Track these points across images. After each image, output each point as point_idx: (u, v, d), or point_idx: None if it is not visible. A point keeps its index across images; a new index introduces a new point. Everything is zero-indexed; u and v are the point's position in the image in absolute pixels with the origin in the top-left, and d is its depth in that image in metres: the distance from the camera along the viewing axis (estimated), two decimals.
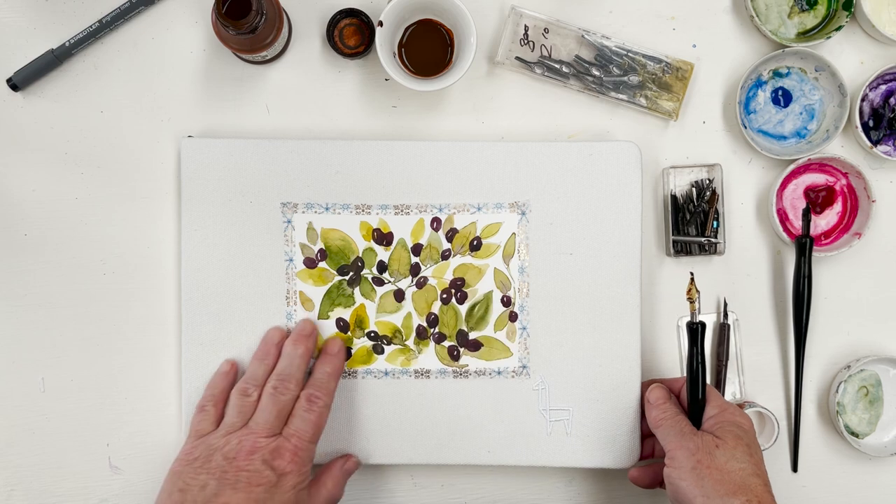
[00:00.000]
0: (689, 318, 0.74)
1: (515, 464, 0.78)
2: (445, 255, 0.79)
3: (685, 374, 0.80)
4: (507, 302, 0.78)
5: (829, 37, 0.80)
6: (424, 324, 0.79)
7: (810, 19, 0.82)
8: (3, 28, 0.80)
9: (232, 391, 0.74)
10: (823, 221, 0.83)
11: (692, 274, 0.75)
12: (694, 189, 0.81)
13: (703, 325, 0.73)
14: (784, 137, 0.82)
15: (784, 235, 0.80)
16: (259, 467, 0.67)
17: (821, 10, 0.82)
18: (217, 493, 0.66)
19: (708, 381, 0.74)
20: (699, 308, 0.74)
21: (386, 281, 0.79)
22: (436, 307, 0.79)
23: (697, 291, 0.74)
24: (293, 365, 0.74)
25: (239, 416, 0.71)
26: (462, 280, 0.79)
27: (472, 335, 0.79)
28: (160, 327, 0.80)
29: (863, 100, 0.81)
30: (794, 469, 0.82)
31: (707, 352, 0.74)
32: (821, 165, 0.82)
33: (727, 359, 0.81)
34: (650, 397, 0.75)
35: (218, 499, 0.66)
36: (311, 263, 0.78)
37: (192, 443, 0.71)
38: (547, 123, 0.81)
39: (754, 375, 0.82)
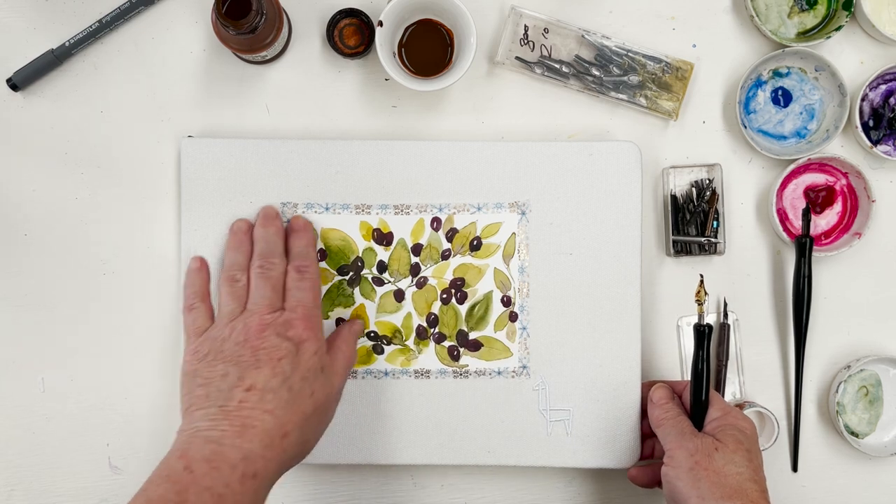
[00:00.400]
0: (695, 320, 0.74)
1: (515, 464, 0.78)
2: (445, 255, 0.79)
3: (688, 376, 0.80)
4: (507, 302, 0.78)
5: (829, 37, 0.80)
6: (424, 324, 0.79)
7: (810, 19, 0.82)
8: (3, 28, 0.80)
9: (220, 282, 0.74)
10: (823, 221, 0.83)
11: (702, 276, 0.75)
12: (694, 189, 0.81)
13: (710, 327, 0.73)
14: (784, 137, 0.82)
15: (784, 235, 0.80)
16: (275, 341, 0.67)
17: (821, 10, 0.82)
18: (241, 376, 0.66)
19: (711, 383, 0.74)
20: (707, 310, 0.74)
21: (386, 281, 0.79)
22: (436, 307, 0.79)
23: (706, 294, 0.73)
24: (271, 242, 0.74)
25: (236, 302, 0.71)
26: (462, 280, 0.79)
27: (472, 335, 0.79)
28: (160, 327, 0.80)
29: (863, 100, 0.81)
30: (794, 469, 0.82)
31: (710, 350, 0.74)
32: (821, 165, 0.82)
33: (727, 359, 0.81)
34: (653, 396, 0.75)
35: (243, 382, 0.65)
36: None
37: (195, 341, 0.71)
38: (547, 123, 0.81)
39: (754, 375, 0.82)
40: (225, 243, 0.76)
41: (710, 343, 0.73)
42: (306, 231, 0.76)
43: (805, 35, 0.82)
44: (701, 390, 0.72)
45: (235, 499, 0.61)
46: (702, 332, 0.73)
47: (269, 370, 0.66)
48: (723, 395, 0.81)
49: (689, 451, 0.69)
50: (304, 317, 0.69)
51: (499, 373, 0.78)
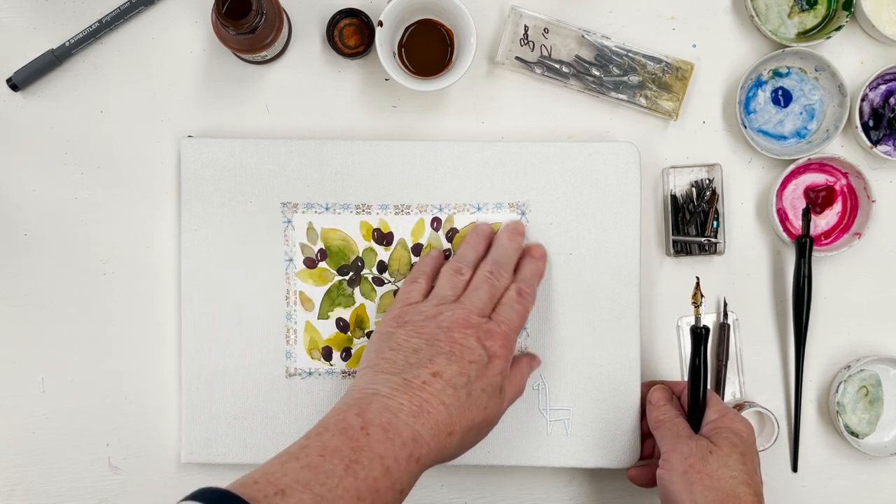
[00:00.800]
0: (692, 322, 0.74)
1: (515, 464, 0.78)
2: (446, 256, 0.78)
3: (687, 377, 0.80)
4: None
5: (829, 37, 0.80)
6: None
7: (810, 19, 0.82)
8: (3, 28, 0.80)
9: (443, 268, 0.74)
10: (823, 221, 0.83)
11: (698, 279, 0.75)
12: (694, 189, 0.81)
13: (707, 329, 0.73)
14: (784, 137, 0.82)
15: (784, 235, 0.80)
16: (473, 344, 0.67)
17: (821, 10, 0.82)
18: (431, 359, 0.66)
19: (709, 385, 0.74)
20: (703, 312, 0.73)
21: (386, 281, 0.79)
22: None
23: (702, 296, 0.73)
24: (508, 255, 0.74)
25: (451, 291, 0.72)
26: None
27: None
28: (160, 327, 0.80)
29: (863, 100, 0.81)
30: (794, 469, 0.82)
31: (707, 352, 0.73)
32: (821, 165, 0.82)
33: (727, 359, 0.81)
34: (651, 398, 0.75)
35: (432, 365, 0.65)
36: (311, 263, 0.78)
37: (401, 308, 0.71)
38: (547, 123, 0.81)
39: (754, 375, 0.82)
40: (464, 238, 0.77)
41: (707, 345, 0.73)
42: (541, 261, 0.76)
43: (805, 35, 0.82)
44: (698, 392, 0.72)
45: (400, 475, 0.61)
46: (698, 334, 0.73)
47: (458, 367, 0.66)
48: (722, 396, 0.81)
49: (683, 454, 0.69)
50: (505, 334, 0.69)
51: None
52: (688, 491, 0.67)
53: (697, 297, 0.73)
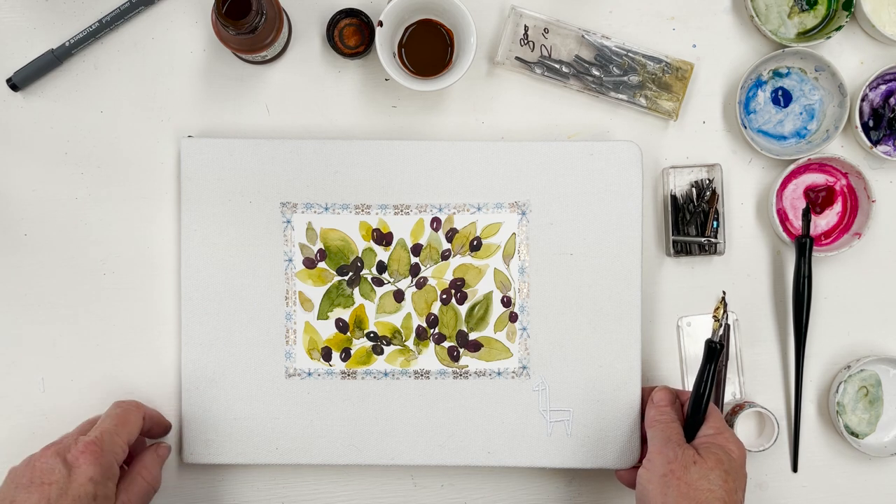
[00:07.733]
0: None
1: (515, 465, 0.78)
2: (445, 256, 0.79)
3: (688, 378, 0.80)
4: (507, 302, 0.78)
5: (829, 37, 0.80)
6: (424, 324, 0.79)
7: (810, 19, 0.82)
8: (3, 28, 0.80)
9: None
10: (823, 221, 0.83)
11: (724, 293, 0.74)
12: (694, 189, 0.81)
13: (722, 345, 0.73)
14: (784, 137, 0.82)
15: (784, 235, 0.80)
16: (50, 464, 0.65)
17: (821, 10, 0.82)
18: (13, 500, 0.64)
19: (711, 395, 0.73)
20: (722, 325, 0.73)
21: (385, 281, 0.79)
22: (435, 308, 0.79)
23: (725, 312, 0.72)
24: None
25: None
26: (462, 280, 0.79)
27: (472, 336, 0.79)
28: (160, 327, 0.80)
29: (863, 100, 0.81)
30: (794, 469, 0.82)
31: (717, 367, 0.73)
32: (821, 165, 0.82)
33: (727, 359, 0.81)
34: (654, 397, 0.75)
35: None
36: (310, 263, 0.78)
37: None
38: (547, 123, 0.81)
39: (754, 375, 0.82)
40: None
41: (719, 361, 0.72)
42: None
43: (805, 35, 0.81)
44: (700, 404, 0.72)
45: None
46: (713, 348, 0.72)
47: (38, 495, 0.64)
48: (723, 395, 0.81)
49: (667, 458, 0.69)
50: (91, 441, 0.67)
51: (499, 373, 0.78)
52: (662, 494, 0.67)
53: (720, 312, 0.72)
